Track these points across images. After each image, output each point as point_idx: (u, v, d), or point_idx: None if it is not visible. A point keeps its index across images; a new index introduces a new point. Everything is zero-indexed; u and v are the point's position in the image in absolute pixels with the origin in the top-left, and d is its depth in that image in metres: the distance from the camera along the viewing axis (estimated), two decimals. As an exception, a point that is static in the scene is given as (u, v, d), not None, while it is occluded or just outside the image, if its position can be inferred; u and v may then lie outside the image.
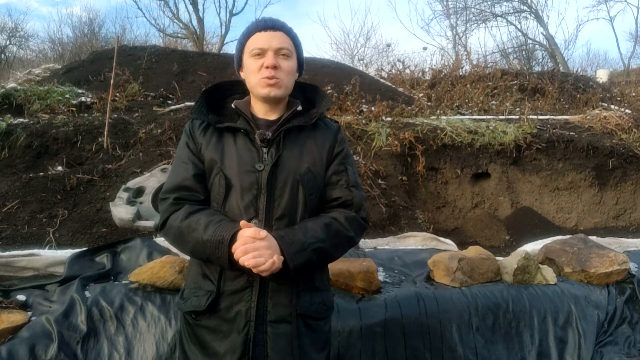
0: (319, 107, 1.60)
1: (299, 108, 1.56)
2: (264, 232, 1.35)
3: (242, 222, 1.36)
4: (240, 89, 1.64)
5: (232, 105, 1.56)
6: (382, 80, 7.91)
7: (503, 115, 5.86)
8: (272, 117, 1.56)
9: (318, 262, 1.48)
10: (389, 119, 5.12)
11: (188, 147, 1.54)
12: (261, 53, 1.49)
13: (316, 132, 1.58)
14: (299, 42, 1.58)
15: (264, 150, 1.48)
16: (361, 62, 14.98)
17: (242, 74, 1.59)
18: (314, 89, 1.67)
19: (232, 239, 1.35)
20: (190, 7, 14.63)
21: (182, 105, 5.52)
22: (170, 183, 1.52)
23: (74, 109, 5.18)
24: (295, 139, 1.53)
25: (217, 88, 1.65)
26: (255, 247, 1.32)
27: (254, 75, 1.50)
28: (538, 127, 5.17)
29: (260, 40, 1.50)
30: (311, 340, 1.50)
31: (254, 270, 1.33)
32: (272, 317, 1.44)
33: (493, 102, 6.85)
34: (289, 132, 1.52)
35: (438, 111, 6.00)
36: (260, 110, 1.57)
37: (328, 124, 1.63)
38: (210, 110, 1.56)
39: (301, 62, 1.61)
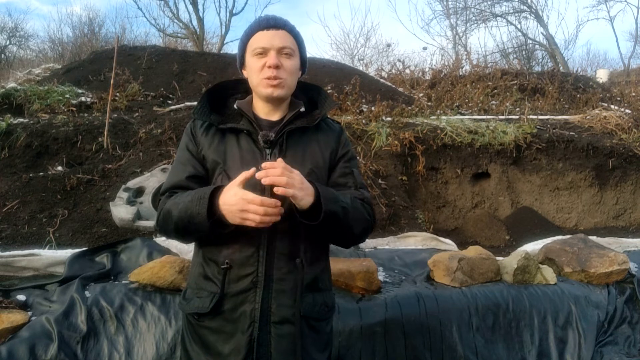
0: (322, 109, 1.59)
1: (302, 109, 1.56)
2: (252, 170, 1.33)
3: (244, 173, 1.33)
4: (242, 87, 1.64)
5: (235, 105, 1.56)
6: (382, 80, 7.90)
7: (503, 115, 5.86)
8: (275, 117, 1.56)
9: (342, 223, 1.43)
10: (389, 119, 5.12)
11: (188, 148, 1.54)
12: (263, 52, 1.48)
13: (319, 133, 1.57)
14: (301, 40, 1.57)
15: (267, 151, 1.48)
16: (361, 62, 15.00)
17: (245, 73, 1.58)
18: (316, 90, 1.66)
19: (216, 195, 1.34)
20: (190, 7, 14.67)
21: (182, 105, 5.52)
22: (167, 183, 1.53)
23: (74, 108, 5.17)
24: (298, 141, 1.52)
25: (219, 87, 1.64)
26: (289, 173, 1.30)
27: (257, 75, 1.49)
28: (538, 127, 5.17)
29: (262, 39, 1.49)
30: (313, 340, 1.50)
31: (279, 191, 1.28)
32: (276, 318, 1.43)
33: (493, 102, 6.85)
34: (291, 134, 1.51)
35: (438, 111, 6.00)
36: (262, 110, 1.56)
37: (330, 125, 1.63)
38: (212, 110, 1.56)
39: (304, 61, 1.60)
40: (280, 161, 1.32)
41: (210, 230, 1.36)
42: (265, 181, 1.29)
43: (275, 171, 1.28)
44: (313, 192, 1.35)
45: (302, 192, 1.32)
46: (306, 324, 1.48)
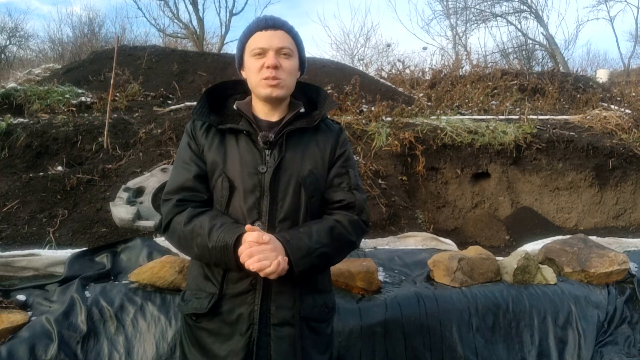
0: (322, 109, 1.59)
1: (302, 110, 1.55)
2: (267, 236, 1.34)
3: (247, 226, 1.36)
4: (241, 88, 1.64)
5: (234, 106, 1.55)
6: (382, 80, 7.90)
7: (503, 115, 5.86)
8: (274, 118, 1.55)
9: (321, 267, 1.50)
10: (389, 119, 5.12)
11: (190, 147, 1.53)
12: (262, 53, 1.48)
13: (318, 134, 1.57)
14: (300, 40, 1.56)
15: (267, 152, 1.47)
16: (361, 62, 15.00)
17: (244, 74, 1.58)
18: (315, 90, 1.66)
19: (237, 242, 1.35)
20: (190, 7, 14.66)
21: (182, 105, 5.52)
22: (172, 184, 1.51)
23: (74, 109, 5.17)
24: (297, 141, 1.52)
25: (218, 88, 1.64)
26: (260, 250, 1.32)
27: (255, 75, 1.49)
28: (538, 127, 5.17)
29: (261, 39, 1.48)
30: (314, 342, 1.50)
31: (261, 274, 1.33)
32: (275, 320, 1.43)
33: (493, 102, 6.85)
34: (291, 134, 1.51)
35: (438, 111, 6.00)
36: (261, 111, 1.56)
37: (329, 125, 1.62)
38: (211, 111, 1.55)
39: (303, 61, 1.60)
40: (254, 236, 1.34)
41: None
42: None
43: (252, 262, 1.31)
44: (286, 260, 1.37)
45: (276, 264, 1.33)
46: (306, 325, 1.48)
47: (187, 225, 1.42)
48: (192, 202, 1.47)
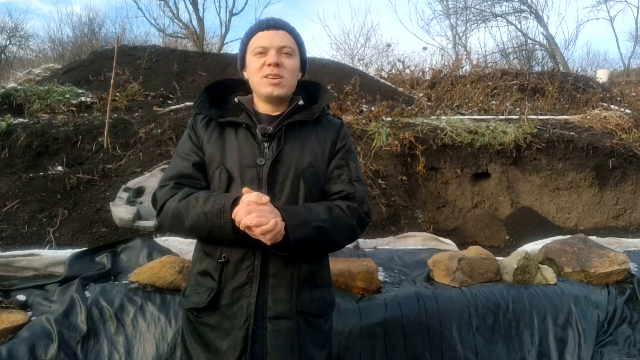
0: (321, 102, 1.61)
1: (301, 102, 1.57)
2: (266, 198, 1.33)
3: (245, 189, 1.34)
4: (243, 87, 1.65)
5: (235, 99, 1.57)
6: (382, 80, 7.90)
7: (503, 115, 5.85)
8: (275, 113, 1.57)
9: (318, 242, 1.44)
10: (389, 118, 5.12)
11: (190, 139, 1.55)
12: (264, 51, 1.50)
13: (318, 127, 1.58)
14: (301, 41, 1.58)
15: (265, 144, 1.49)
16: (361, 62, 15.03)
17: (246, 74, 1.60)
18: (316, 86, 1.68)
19: (234, 207, 1.33)
20: (190, 7, 14.68)
21: (182, 105, 5.52)
22: (170, 171, 1.52)
23: (74, 108, 5.17)
24: (297, 134, 1.53)
25: (220, 84, 1.66)
26: (258, 209, 1.30)
27: (257, 74, 1.51)
28: (538, 127, 5.17)
29: (262, 39, 1.51)
30: (311, 337, 1.49)
31: (257, 231, 1.29)
32: (271, 313, 1.43)
33: (493, 102, 6.85)
34: (290, 127, 1.52)
35: (438, 111, 6.00)
36: (262, 108, 1.58)
37: (331, 120, 1.64)
38: (212, 106, 1.57)
39: (304, 62, 1.61)
40: (252, 196, 1.32)
41: (233, 240, 1.37)
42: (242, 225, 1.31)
43: (250, 218, 1.28)
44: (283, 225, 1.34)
45: (274, 222, 1.30)
46: (303, 319, 1.47)
47: (182, 200, 1.42)
48: (190, 187, 1.48)
